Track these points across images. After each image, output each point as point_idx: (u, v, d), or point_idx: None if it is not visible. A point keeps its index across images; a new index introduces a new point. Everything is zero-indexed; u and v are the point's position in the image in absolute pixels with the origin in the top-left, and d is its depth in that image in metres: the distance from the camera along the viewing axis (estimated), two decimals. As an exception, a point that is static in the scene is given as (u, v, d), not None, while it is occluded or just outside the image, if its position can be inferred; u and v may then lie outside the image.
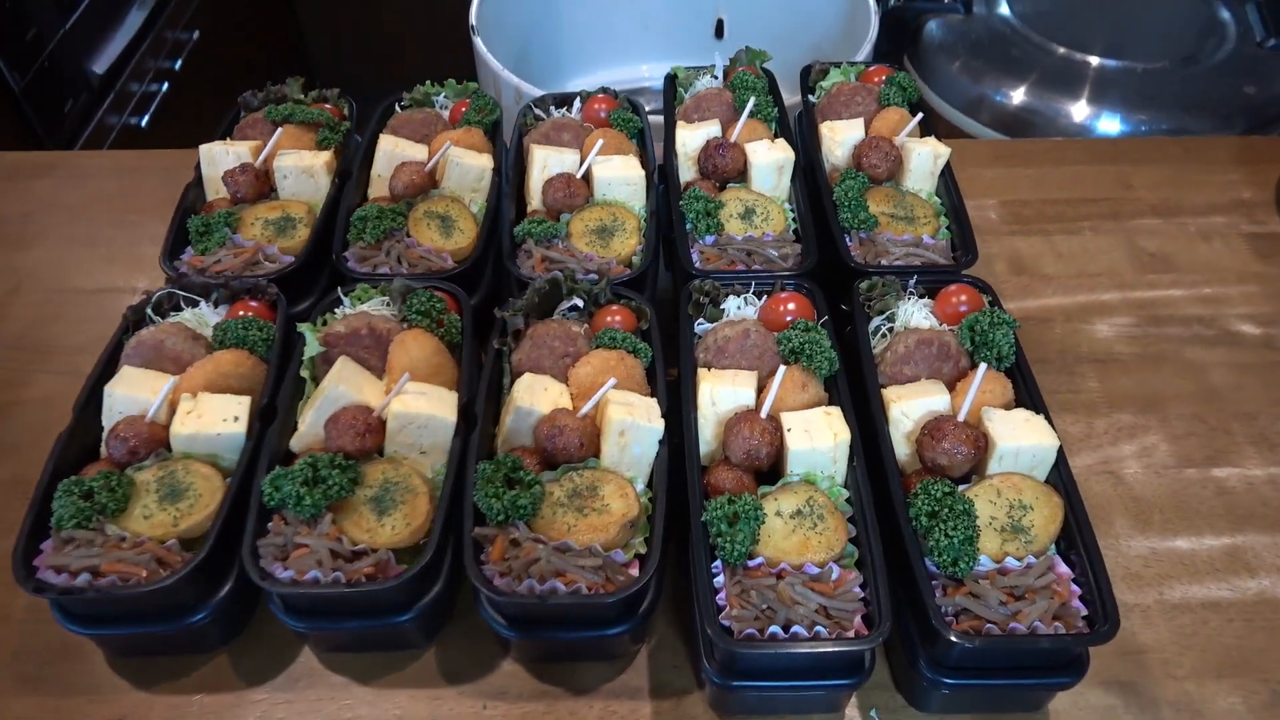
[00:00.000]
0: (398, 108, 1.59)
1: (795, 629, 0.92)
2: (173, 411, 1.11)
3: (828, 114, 1.52)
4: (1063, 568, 0.99)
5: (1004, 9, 2.59)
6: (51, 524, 1.02)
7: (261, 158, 1.43)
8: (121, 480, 1.04)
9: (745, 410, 1.08)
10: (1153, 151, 1.80)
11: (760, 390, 1.11)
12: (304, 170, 1.41)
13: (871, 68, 1.60)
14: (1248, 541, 1.21)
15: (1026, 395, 1.12)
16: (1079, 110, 2.44)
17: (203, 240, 1.35)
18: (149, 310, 1.23)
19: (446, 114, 1.58)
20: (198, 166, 1.44)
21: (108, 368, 1.17)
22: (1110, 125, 2.42)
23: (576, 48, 3.14)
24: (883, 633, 0.91)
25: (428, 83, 1.60)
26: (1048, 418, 1.08)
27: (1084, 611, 0.95)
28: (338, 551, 1.01)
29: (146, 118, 2.79)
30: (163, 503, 1.05)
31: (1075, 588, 0.97)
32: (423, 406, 1.08)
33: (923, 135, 1.44)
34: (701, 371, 1.13)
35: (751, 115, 1.46)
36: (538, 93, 2.09)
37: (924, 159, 1.39)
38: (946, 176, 1.41)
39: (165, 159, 1.79)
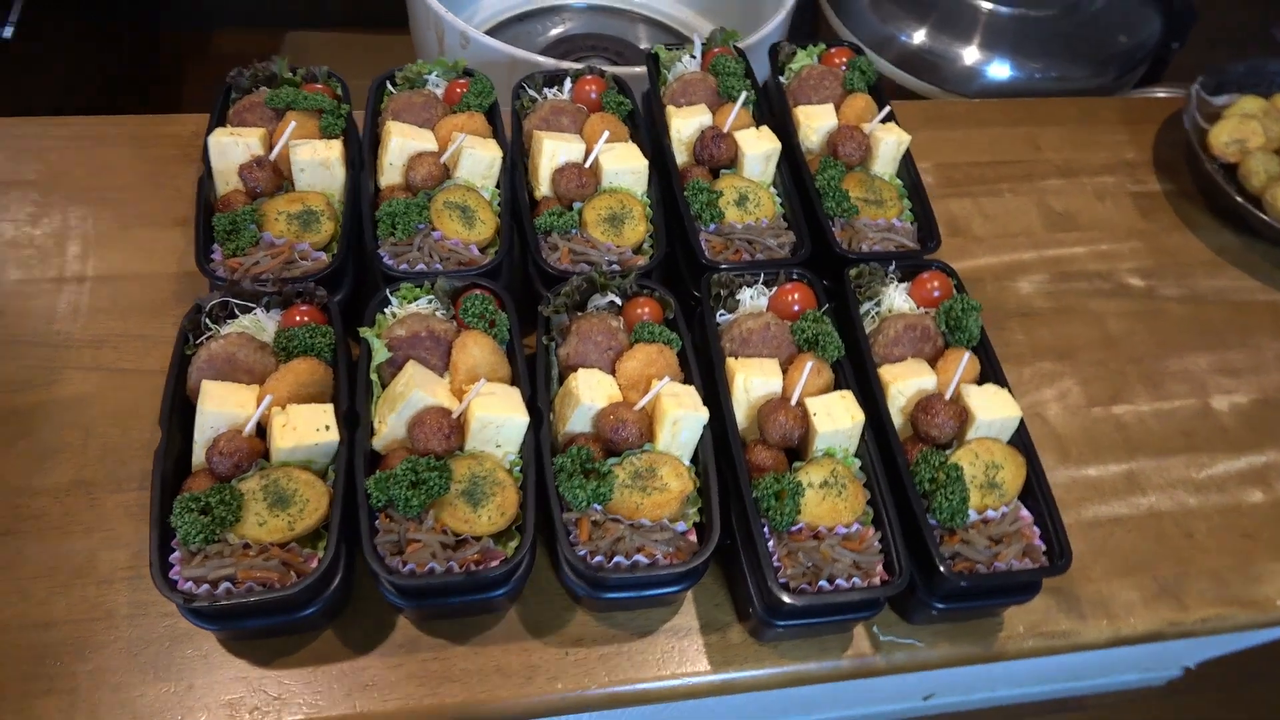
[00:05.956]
0: (390, 87, 1.62)
1: (838, 581, 1.17)
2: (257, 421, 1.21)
3: (798, 97, 1.68)
4: (1025, 513, 1.27)
5: (913, -51, 2.74)
6: (177, 539, 1.12)
7: (276, 151, 1.46)
8: (232, 493, 1.15)
9: (778, 399, 1.28)
10: (1055, 112, 2.05)
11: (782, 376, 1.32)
12: (320, 163, 1.45)
13: (831, 50, 1.75)
14: (1139, 466, 1.55)
15: (990, 369, 1.37)
16: (970, 54, 2.66)
17: (232, 240, 1.38)
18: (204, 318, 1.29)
19: (439, 92, 1.62)
20: (206, 158, 1.45)
21: (180, 379, 1.24)
22: (1000, 71, 2.66)
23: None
24: (905, 579, 1.17)
25: (419, 61, 1.63)
26: (1009, 389, 1.34)
27: (1044, 548, 1.24)
28: (445, 543, 1.16)
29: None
30: (273, 509, 1.16)
31: (1036, 529, 1.26)
32: (501, 409, 1.22)
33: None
34: (731, 361, 1.32)
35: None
36: (488, 40, 2.12)
37: (890, 146, 1.58)
38: (906, 161, 1.61)
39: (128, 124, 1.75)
